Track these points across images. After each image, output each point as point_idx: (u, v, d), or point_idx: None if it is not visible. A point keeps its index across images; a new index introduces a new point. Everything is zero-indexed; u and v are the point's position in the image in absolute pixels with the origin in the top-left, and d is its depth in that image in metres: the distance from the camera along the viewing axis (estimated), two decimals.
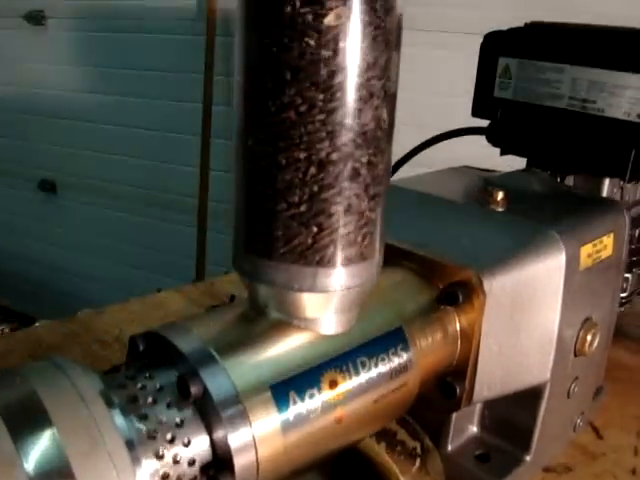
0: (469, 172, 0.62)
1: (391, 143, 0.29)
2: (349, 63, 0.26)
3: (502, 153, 0.70)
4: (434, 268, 0.37)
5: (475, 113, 0.68)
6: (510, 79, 0.65)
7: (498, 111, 0.68)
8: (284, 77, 0.26)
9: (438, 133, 0.70)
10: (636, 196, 0.65)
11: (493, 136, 0.69)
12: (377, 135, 0.28)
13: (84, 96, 1.93)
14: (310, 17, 0.25)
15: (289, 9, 0.25)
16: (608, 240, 0.45)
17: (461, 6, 1.35)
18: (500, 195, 0.47)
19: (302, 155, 0.27)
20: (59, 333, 0.58)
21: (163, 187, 1.87)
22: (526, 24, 0.67)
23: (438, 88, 1.40)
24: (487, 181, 0.56)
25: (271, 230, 0.28)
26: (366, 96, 0.27)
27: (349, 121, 0.27)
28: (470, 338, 0.36)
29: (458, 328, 0.36)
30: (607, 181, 0.63)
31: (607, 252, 0.45)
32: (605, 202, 0.57)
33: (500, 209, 0.46)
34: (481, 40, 0.66)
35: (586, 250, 0.42)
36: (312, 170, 0.27)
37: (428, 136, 0.72)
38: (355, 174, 0.27)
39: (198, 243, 1.77)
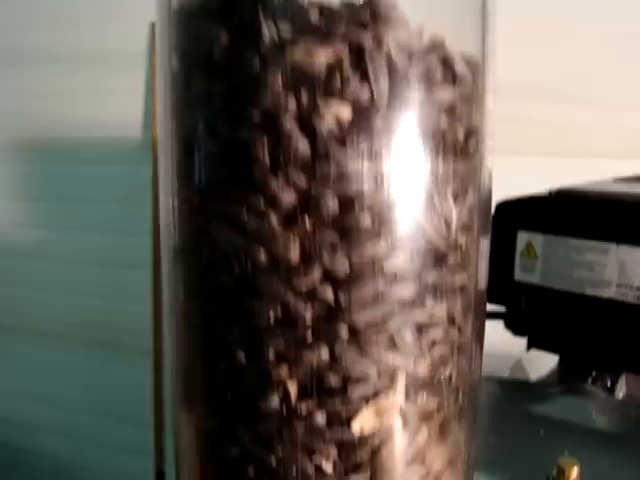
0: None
1: None
2: None
3: (529, 346, 0.54)
4: None
5: (490, 298, 0.50)
6: (536, 259, 0.49)
7: (522, 298, 0.52)
8: None
9: None
10: None
11: (515, 325, 0.53)
12: None
13: (23, 232, 1.73)
14: None
15: None
16: None
17: None
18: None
19: None
20: None
21: (116, 327, 1.66)
22: (551, 193, 0.51)
23: None
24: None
25: None
26: None
27: None
28: None
29: None
30: None
31: None
32: None
33: None
34: None
35: None
36: None
37: None
38: None
39: (154, 386, 1.56)
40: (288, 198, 0.28)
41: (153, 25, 1.50)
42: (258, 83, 0.28)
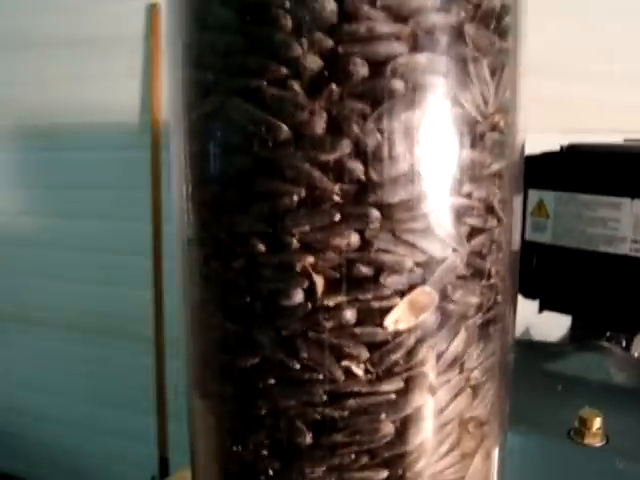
0: None
1: None
2: None
3: (541, 309, 0.51)
4: None
5: None
6: (547, 217, 0.46)
7: (533, 258, 0.49)
8: None
9: None
10: None
11: (526, 288, 0.51)
12: None
13: (22, 219, 1.70)
14: None
15: None
16: None
17: None
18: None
19: None
20: None
21: (116, 314, 1.63)
22: (563, 147, 0.48)
23: None
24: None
25: None
26: None
27: None
28: None
29: None
30: None
31: None
32: None
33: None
34: None
35: None
36: None
37: None
38: None
39: (157, 372, 1.52)
40: (312, 63, 0.25)
41: (150, 7, 1.48)
42: None
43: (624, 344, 0.57)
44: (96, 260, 1.63)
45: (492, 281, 0.29)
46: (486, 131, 0.27)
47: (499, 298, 0.29)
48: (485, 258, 0.28)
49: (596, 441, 0.46)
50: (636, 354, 0.61)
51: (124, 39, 1.50)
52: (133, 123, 1.52)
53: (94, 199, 1.60)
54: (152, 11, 1.48)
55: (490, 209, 0.28)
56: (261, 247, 0.27)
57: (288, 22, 0.25)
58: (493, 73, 0.28)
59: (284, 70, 0.25)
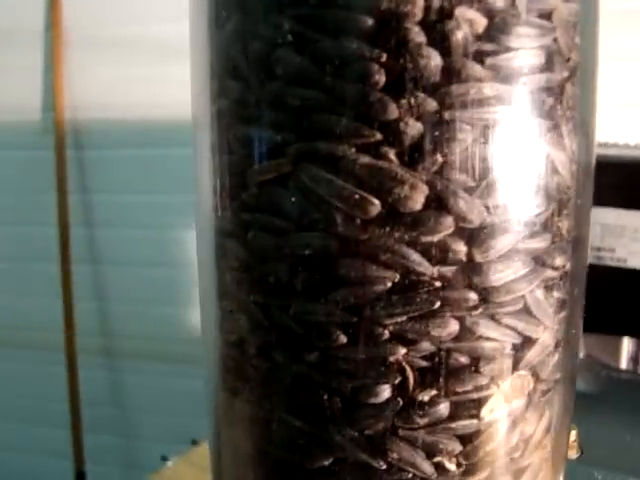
0: None
1: None
2: None
3: None
4: None
5: None
6: None
7: None
8: None
9: None
10: None
11: None
12: None
13: None
14: None
15: None
16: None
17: None
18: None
19: None
20: None
21: (23, 325, 1.49)
22: None
23: None
24: None
25: None
26: None
27: None
28: None
29: None
30: (626, 342, 0.52)
31: None
32: None
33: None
34: None
35: None
36: None
37: None
38: None
39: (69, 383, 1.41)
40: (413, 129, 0.21)
41: None
42: None
43: None
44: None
45: (574, 350, 0.26)
46: (574, 197, 0.24)
47: (572, 367, 0.27)
48: (573, 327, 0.26)
49: (572, 454, 0.46)
50: (580, 355, 0.62)
51: (22, 32, 1.36)
52: (34, 121, 1.39)
53: None
54: (52, 1, 1.35)
55: (571, 275, 0.26)
56: (343, 339, 0.22)
57: (382, 78, 0.21)
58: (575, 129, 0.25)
59: (378, 135, 0.21)
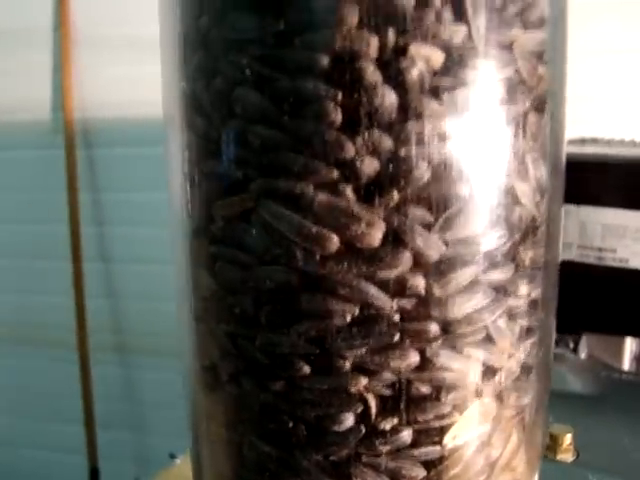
0: None
1: None
2: None
3: None
4: None
5: None
6: None
7: None
8: None
9: None
10: None
11: None
12: None
13: None
14: None
15: None
16: None
17: None
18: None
19: None
20: None
21: (35, 323, 1.52)
22: None
23: None
24: None
25: None
26: None
27: None
28: None
29: None
30: (629, 342, 0.51)
31: None
32: None
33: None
34: None
35: None
36: None
37: None
38: None
39: (82, 380, 1.43)
40: (370, 166, 0.21)
41: None
42: (327, 18, 0.20)
43: (572, 346, 0.58)
44: (12, 266, 1.51)
45: (540, 374, 0.26)
46: (539, 226, 0.25)
47: (543, 390, 0.27)
48: (536, 353, 0.26)
49: (568, 457, 0.46)
50: (582, 355, 0.62)
51: (30, 32, 1.37)
52: (44, 121, 1.40)
53: (6, 202, 1.48)
54: (60, 1, 1.36)
55: (535, 303, 0.26)
56: (306, 369, 0.23)
57: (338, 116, 0.21)
58: (544, 158, 0.25)
59: (335, 173, 0.21)
